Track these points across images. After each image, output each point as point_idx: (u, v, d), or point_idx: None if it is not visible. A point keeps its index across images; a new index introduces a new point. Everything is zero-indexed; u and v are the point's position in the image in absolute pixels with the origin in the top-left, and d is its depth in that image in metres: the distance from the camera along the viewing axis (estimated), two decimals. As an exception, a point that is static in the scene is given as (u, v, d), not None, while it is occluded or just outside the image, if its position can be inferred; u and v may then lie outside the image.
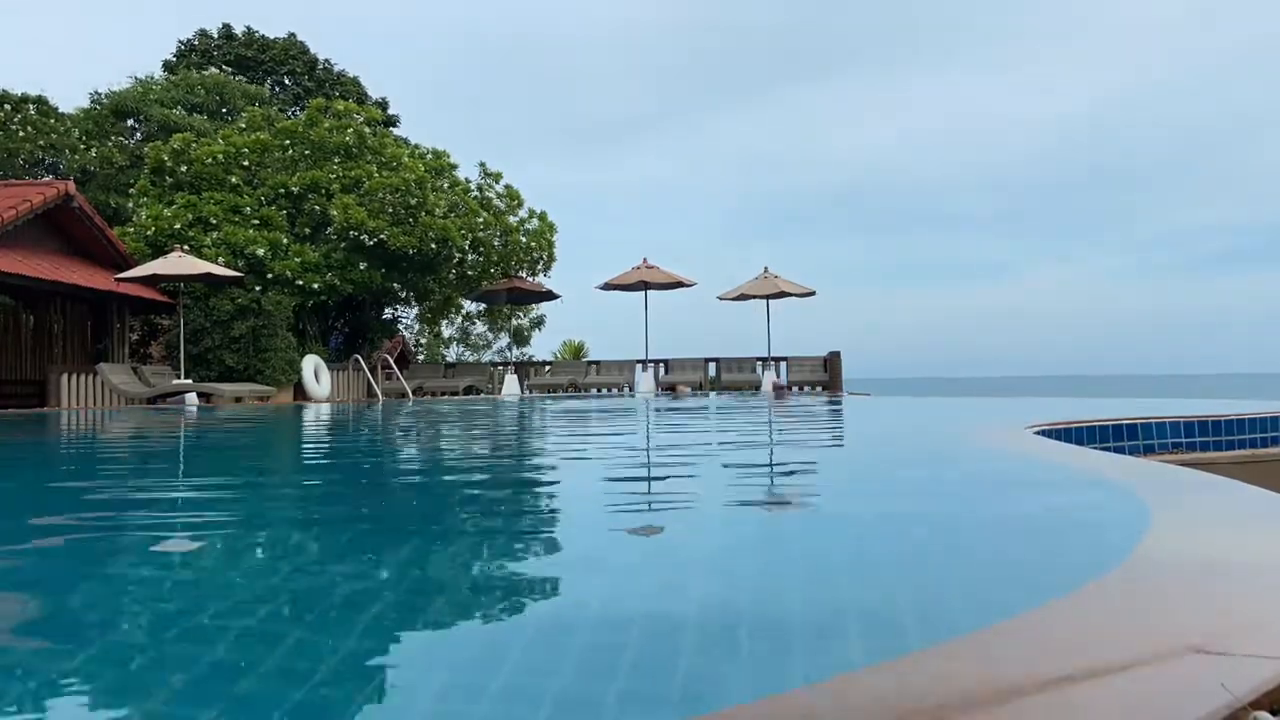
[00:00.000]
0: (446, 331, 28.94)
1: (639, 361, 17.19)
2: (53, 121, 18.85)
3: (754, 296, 16.90)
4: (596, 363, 17.97)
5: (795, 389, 16.45)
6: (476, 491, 3.67)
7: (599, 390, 17.05)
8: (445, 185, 17.73)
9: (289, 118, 19.72)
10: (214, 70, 23.68)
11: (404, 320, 24.56)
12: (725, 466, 4.47)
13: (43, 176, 18.88)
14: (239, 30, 26.39)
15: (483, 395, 16.85)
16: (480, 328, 28.14)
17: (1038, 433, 5.30)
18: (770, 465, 4.47)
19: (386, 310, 21.37)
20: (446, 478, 4.36)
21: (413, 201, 16.00)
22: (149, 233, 15.42)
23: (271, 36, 26.44)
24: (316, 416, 9.97)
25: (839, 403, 11.66)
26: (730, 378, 16.80)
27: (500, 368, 18.55)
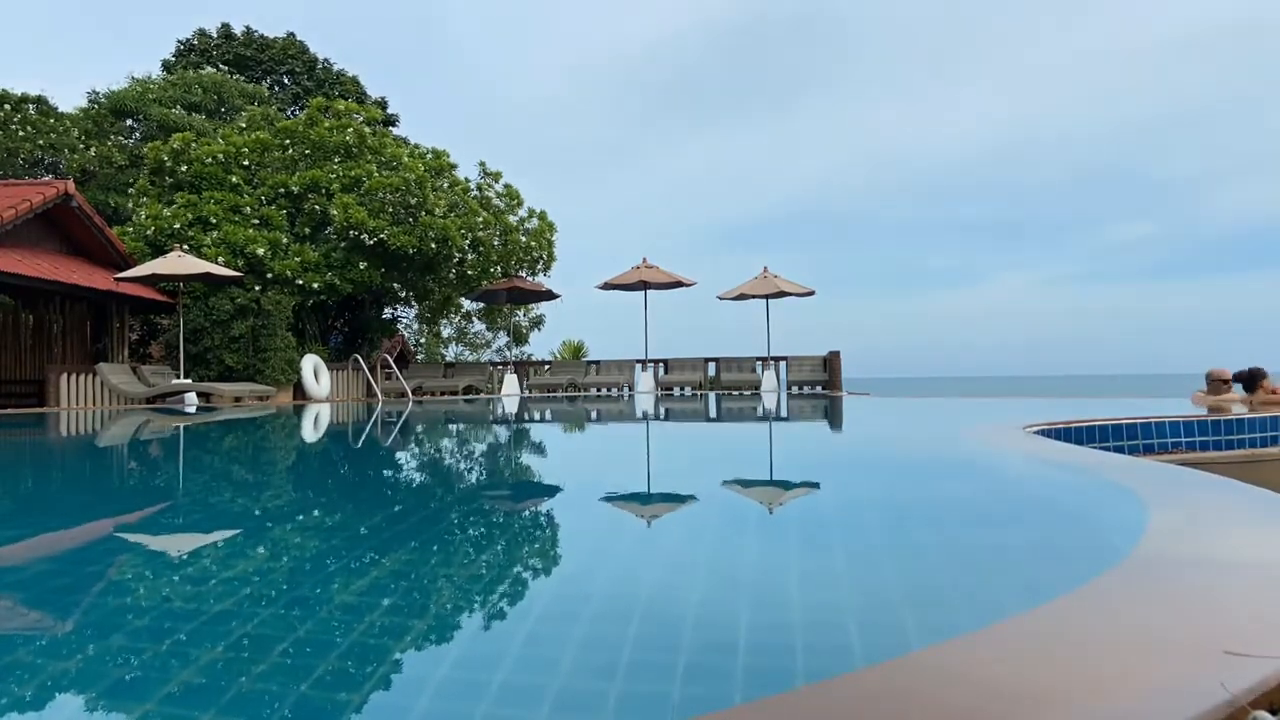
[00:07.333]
0: (445, 331, 28.93)
1: (639, 361, 17.18)
2: (52, 121, 18.85)
3: (753, 296, 16.89)
4: (596, 362, 17.95)
5: (797, 387, 16.47)
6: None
7: (599, 390, 17.05)
8: (445, 185, 17.74)
9: (288, 117, 19.74)
10: (211, 69, 23.67)
11: (403, 320, 24.58)
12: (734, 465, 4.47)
13: (43, 176, 18.88)
14: (238, 30, 26.40)
15: (482, 395, 16.85)
16: (478, 325, 28.13)
17: (1036, 432, 5.30)
18: (772, 469, 4.47)
19: (386, 310, 21.38)
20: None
21: (413, 201, 16.00)
22: (148, 232, 15.42)
23: (271, 36, 26.44)
24: (317, 417, 9.98)
25: (838, 403, 11.66)
26: (730, 377, 16.79)
27: (500, 367, 18.53)
